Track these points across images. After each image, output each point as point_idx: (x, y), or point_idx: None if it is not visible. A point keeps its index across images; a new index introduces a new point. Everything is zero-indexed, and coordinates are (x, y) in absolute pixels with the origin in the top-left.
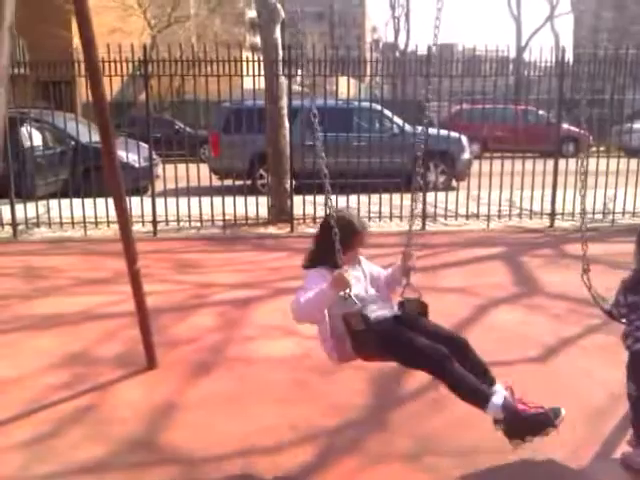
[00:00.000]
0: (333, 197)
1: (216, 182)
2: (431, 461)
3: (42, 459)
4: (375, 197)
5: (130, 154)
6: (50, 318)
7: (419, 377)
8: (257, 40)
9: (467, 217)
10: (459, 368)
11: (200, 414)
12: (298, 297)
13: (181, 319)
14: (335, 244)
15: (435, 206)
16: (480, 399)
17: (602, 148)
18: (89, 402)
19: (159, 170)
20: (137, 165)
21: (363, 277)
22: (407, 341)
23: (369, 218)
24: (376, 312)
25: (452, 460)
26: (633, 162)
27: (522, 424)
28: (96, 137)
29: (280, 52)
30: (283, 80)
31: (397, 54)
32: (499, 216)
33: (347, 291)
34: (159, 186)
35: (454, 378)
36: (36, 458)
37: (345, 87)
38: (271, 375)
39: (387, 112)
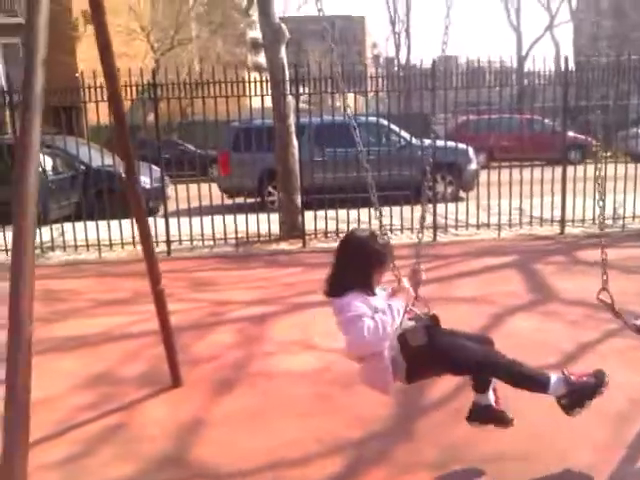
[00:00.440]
0: (343, 211)
1: (227, 201)
2: (458, 470)
3: (75, 478)
4: (385, 210)
5: (141, 176)
6: (71, 340)
7: (441, 387)
8: (259, 60)
9: (478, 227)
10: (509, 358)
11: (225, 430)
12: (361, 326)
13: (201, 337)
14: (375, 265)
15: (445, 217)
16: (541, 382)
17: (608, 154)
18: (117, 421)
19: (169, 191)
20: (148, 186)
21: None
22: (460, 346)
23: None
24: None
25: (479, 468)
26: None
27: (582, 393)
28: (107, 161)
29: (287, 71)
30: (290, 99)
31: (396, 68)
32: (510, 225)
33: (409, 307)
34: (170, 206)
35: (510, 368)
36: (70, 477)
37: (349, 103)
38: (293, 390)
39: (393, 126)
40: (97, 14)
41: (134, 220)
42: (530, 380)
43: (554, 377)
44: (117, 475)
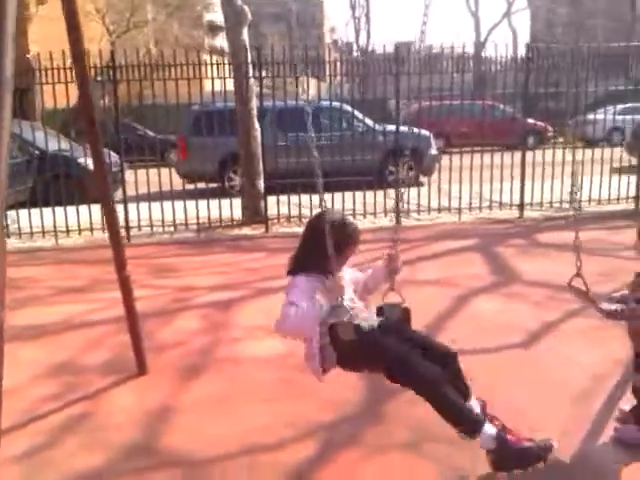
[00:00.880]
0: (306, 197)
1: (188, 186)
2: (429, 448)
3: (40, 470)
4: (348, 195)
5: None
6: (31, 329)
7: None
8: (216, 43)
9: (439, 210)
10: (451, 392)
11: (194, 417)
12: (287, 311)
13: (165, 323)
14: (328, 248)
15: (408, 202)
16: (471, 427)
17: (561, 140)
18: (82, 410)
19: (127, 175)
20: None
21: (349, 283)
22: (402, 356)
23: None
24: (367, 321)
25: (449, 446)
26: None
27: (512, 457)
28: (63, 145)
29: (249, 54)
30: (253, 82)
31: (356, 54)
32: (470, 209)
33: (339, 299)
34: (129, 192)
35: (445, 402)
36: (34, 470)
37: (311, 88)
38: (260, 375)
39: (353, 110)
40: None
41: (101, 205)
42: (455, 411)
43: (490, 429)
44: (84, 465)
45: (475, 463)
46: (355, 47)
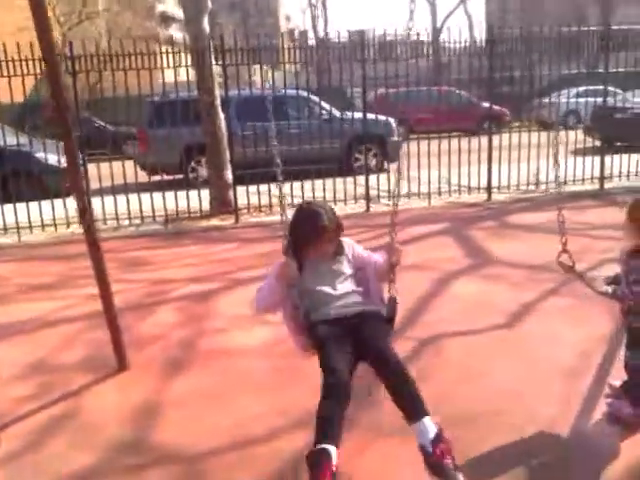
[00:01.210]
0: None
1: (153, 178)
2: None
3: (26, 475)
4: (317, 183)
5: (50, 155)
6: (3, 327)
7: (402, 347)
8: (170, 33)
9: (408, 196)
10: (332, 410)
11: (184, 411)
12: (256, 292)
13: (142, 318)
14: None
15: (378, 188)
16: (318, 439)
17: (517, 123)
18: (64, 410)
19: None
20: (60, 166)
21: (344, 269)
22: (325, 354)
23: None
24: (335, 310)
25: (450, 427)
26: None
27: (435, 467)
28: (20, 140)
29: (210, 43)
30: (216, 70)
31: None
32: (439, 193)
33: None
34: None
35: (321, 410)
36: (19, 475)
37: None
38: (248, 364)
39: (316, 99)
40: None
41: (74, 198)
42: (319, 430)
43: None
44: (75, 466)
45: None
46: (312, 35)
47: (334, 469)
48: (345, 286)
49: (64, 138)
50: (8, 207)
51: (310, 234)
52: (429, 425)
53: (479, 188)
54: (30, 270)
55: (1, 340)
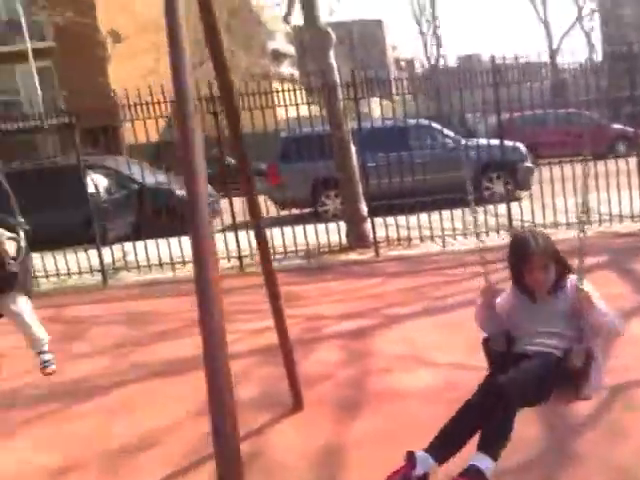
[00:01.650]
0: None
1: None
2: None
3: None
4: (445, 213)
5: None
6: (173, 363)
7: (588, 403)
8: (281, 70)
9: (556, 226)
10: (462, 416)
11: (365, 454)
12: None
13: (305, 355)
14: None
15: (511, 218)
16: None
17: None
18: (250, 448)
19: (219, 206)
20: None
21: (557, 309)
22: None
23: (442, 237)
24: (519, 346)
25: None
26: None
27: None
28: (159, 178)
29: (337, 76)
30: (345, 104)
31: (420, 69)
32: (590, 222)
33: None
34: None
35: (455, 414)
36: None
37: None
38: (418, 408)
39: (440, 128)
40: (210, 32)
41: (255, 233)
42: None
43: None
44: None
45: None
46: (421, 63)
47: (413, 474)
48: (548, 326)
49: (241, 170)
50: (161, 242)
51: (525, 259)
52: (480, 458)
53: (632, 216)
54: (187, 305)
55: (172, 376)
